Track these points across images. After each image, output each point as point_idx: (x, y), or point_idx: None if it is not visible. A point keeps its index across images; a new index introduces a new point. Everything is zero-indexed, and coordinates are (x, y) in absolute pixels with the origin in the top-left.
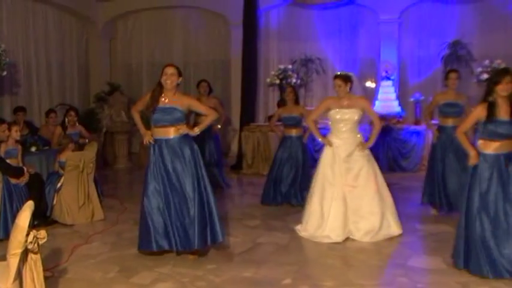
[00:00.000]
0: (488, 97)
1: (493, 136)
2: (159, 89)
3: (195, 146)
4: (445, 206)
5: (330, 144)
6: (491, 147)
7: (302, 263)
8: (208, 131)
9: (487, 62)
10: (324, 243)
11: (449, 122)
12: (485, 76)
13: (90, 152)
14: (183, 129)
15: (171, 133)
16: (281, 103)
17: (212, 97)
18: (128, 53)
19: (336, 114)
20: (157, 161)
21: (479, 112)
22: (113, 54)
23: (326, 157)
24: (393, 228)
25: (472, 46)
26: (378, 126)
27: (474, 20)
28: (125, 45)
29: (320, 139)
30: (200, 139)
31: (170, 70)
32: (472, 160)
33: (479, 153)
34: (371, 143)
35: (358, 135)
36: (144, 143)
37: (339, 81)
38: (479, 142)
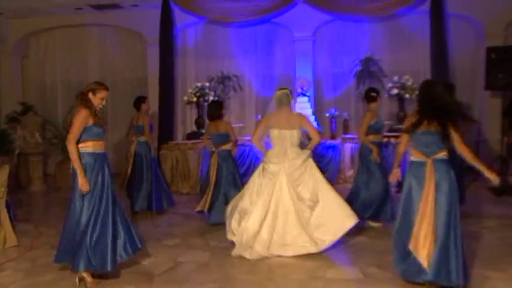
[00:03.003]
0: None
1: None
2: (90, 106)
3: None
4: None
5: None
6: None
7: (224, 280)
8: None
9: (396, 77)
10: (244, 261)
11: (371, 138)
12: (395, 91)
13: (2, 175)
14: None
15: (104, 147)
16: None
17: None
18: (41, 72)
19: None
20: (95, 175)
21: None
22: (26, 73)
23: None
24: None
25: (382, 62)
26: None
27: (384, 38)
28: (38, 63)
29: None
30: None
31: (107, 95)
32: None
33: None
34: None
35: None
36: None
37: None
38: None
